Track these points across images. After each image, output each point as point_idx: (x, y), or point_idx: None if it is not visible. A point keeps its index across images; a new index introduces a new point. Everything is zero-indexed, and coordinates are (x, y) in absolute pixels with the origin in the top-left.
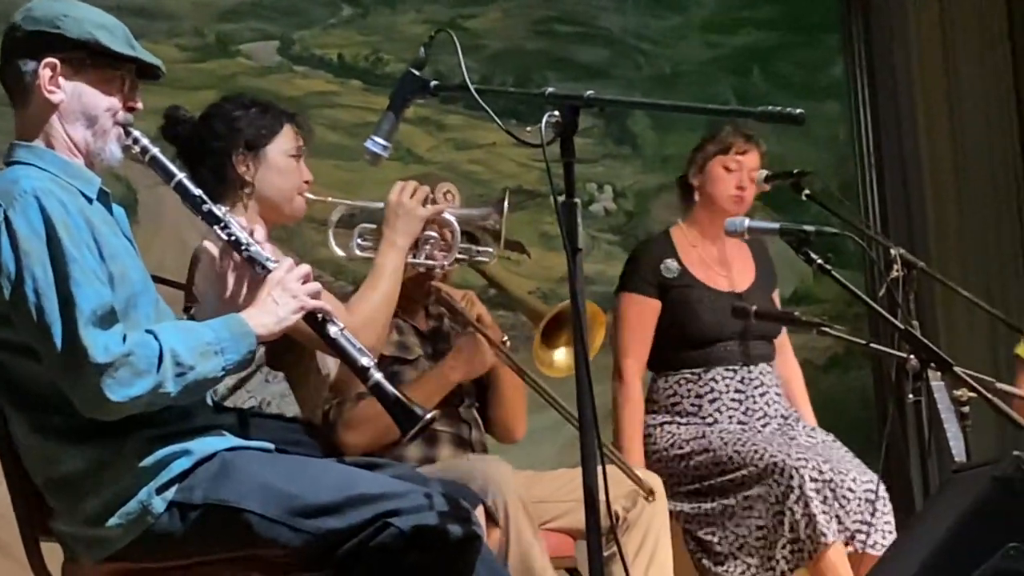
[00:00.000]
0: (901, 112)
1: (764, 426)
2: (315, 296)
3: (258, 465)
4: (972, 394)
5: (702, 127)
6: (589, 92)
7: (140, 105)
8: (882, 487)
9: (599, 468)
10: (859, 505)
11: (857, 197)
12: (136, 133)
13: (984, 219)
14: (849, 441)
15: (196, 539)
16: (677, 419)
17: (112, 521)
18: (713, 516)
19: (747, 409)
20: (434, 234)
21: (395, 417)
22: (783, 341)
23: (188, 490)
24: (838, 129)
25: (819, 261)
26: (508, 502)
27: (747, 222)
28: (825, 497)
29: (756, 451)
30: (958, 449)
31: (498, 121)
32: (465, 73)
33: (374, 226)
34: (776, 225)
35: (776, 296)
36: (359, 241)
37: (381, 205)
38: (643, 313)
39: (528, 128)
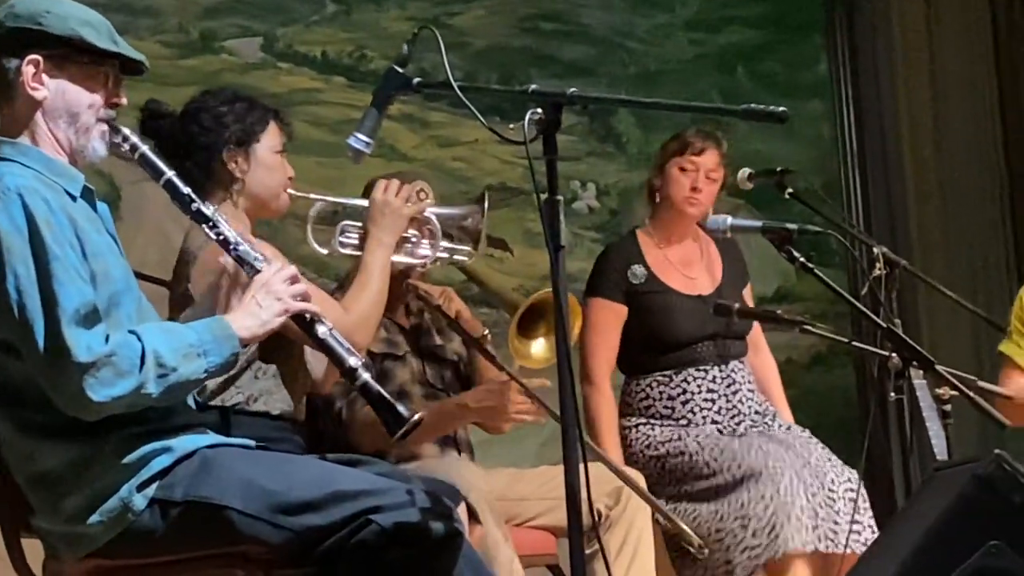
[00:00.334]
0: (884, 111)
1: (739, 424)
2: (302, 297)
3: (239, 462)
4: (954, 392)
5: (686, 125)
6: (572, 89)
7: (124, 100)
8: (862, 485)
9: (581, 466)
10: (844, 505)
11: (840, 196)
12: (125, 131)
13: (967, 218)
14: (831, 439)
15: (177, 536)
16: (652, 421)
17: (93, 518)
18: (683, 518)
19: (720, 408)
20: (415, 232)
21: (383, 417)
22: (757, 338)
23: (169, 487)
24: (822, 128)
25: (801, 259)
26: (470, 498)
27: (729, 220)
28: (801, 506)
29: (734, 459)
30: (940, 447)
31: (481, 118)
32: (448, 70)
33: (357, 224)
34: (758, 223)
35: (748, 293)
36: (341, 239)
37: (364, 203)
38: (610, 318)
39: (511, 125)
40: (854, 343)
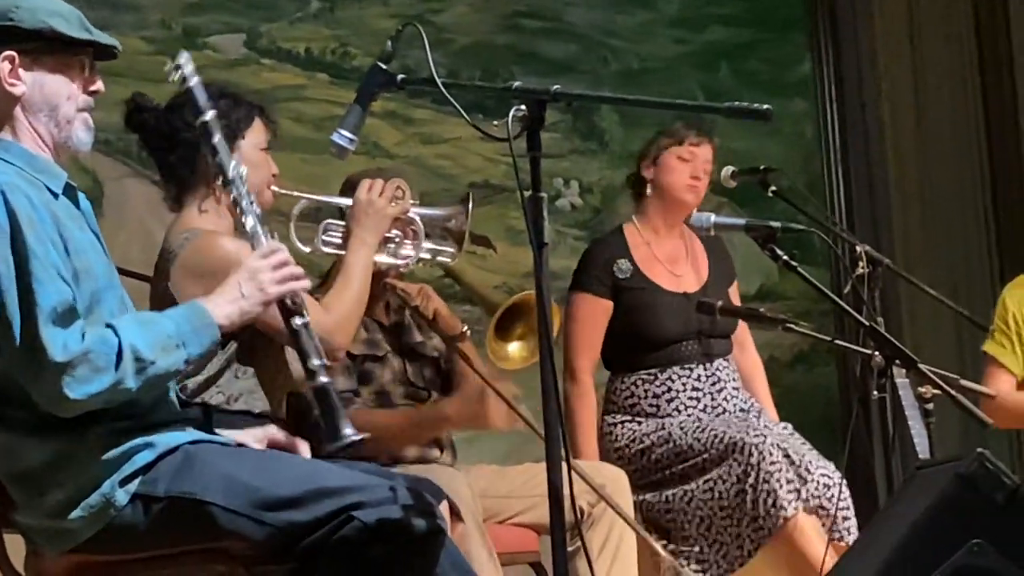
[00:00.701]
0: (867, 110)
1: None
2: (290, 280)
3: (221, 458)
4: (936, 391)
5: (669, 123)
6: (556, 87)
7: (101, 86)
8: (844, 483)
9: (563, 464)
10: (816, 488)
11: (823, 194)
12: (181, 59)
13: (949, 217)
14: (813, 438)
15: (159, 531)
16: (637, 418)
17: (75, 513)
18: (674, 503)
19: (705, 406)
20: (399, 232)
21: (326, 424)
22: (743, 336)
23: (151, 483)
24: (805, 126)
25: (785, 257)
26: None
27: (713, 218)
28: (785, 469)
29: (715, 435)
30: (922, 446)
31: (464, 114)
32: (432, 67)
33: (340, 223)
34: (742, 221)
35: (734, 291)
36: (324, 237)
37: (347, 201)
38: (594, 313)
39: (495, 122)
40: (837, 342)
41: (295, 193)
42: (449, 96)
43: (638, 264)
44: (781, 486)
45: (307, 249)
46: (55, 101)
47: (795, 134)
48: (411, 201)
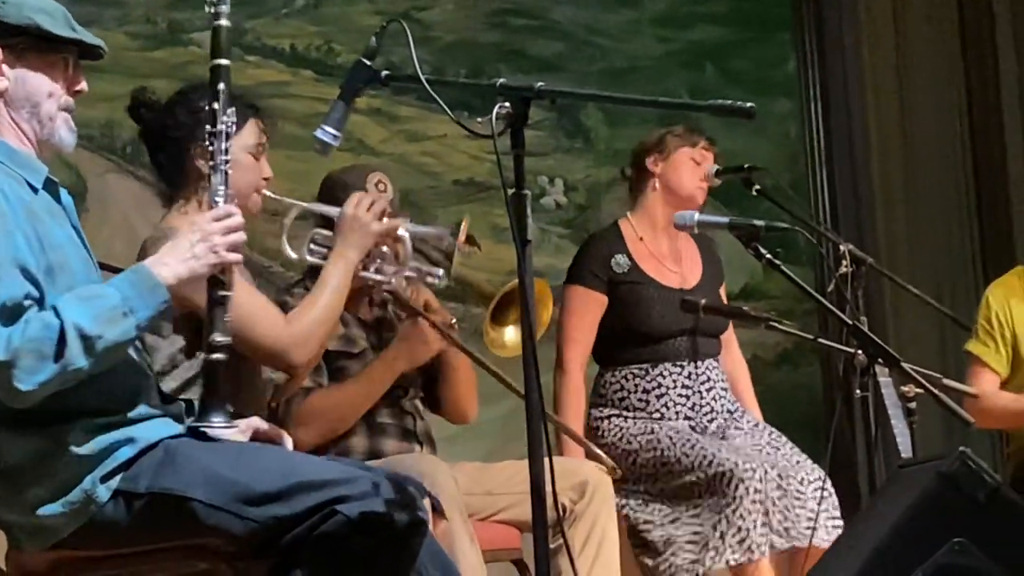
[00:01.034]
0: (852, 110)
1: (711, 421)
2: (234, 249)
3: (203, 453)
4: (919, 390)
5: (655, 122)
6: (540, 84)
7: (85, 86)
8: (828, 482)
9: (546, 459)
10: (813, 503)
11: (807, 194)
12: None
13: (933, 217)
14: (797, 437)
15: (141, 528)
16: (625, 413)
17: (56, 510)
18: (662, 520)
19: (694, 405)
20: (386, 249)
21: (202, 402)
22: (729, 337)
23: (133, 479)
24: (789, 126)
25: (768, 256)
26: (434, 492)
27: (696, 216)
28: (767, 510)
29: (705, 456)
30: (905, 445)
31: (448, 111)
32: (416, 63)
33: (328, 233)
34: (725, 219)
35: (723, 292)
36: (311, 246)
37: (336, 211)
38: (589, 306)
39: (479, 119)
40: (820, 340)
41: (285, 200)
42: (433, 92)
43: (635, 259)
44: (755, 528)
45: (295, 256)
46: (37, 98)
47: (780, 133)
48: (403, 219)
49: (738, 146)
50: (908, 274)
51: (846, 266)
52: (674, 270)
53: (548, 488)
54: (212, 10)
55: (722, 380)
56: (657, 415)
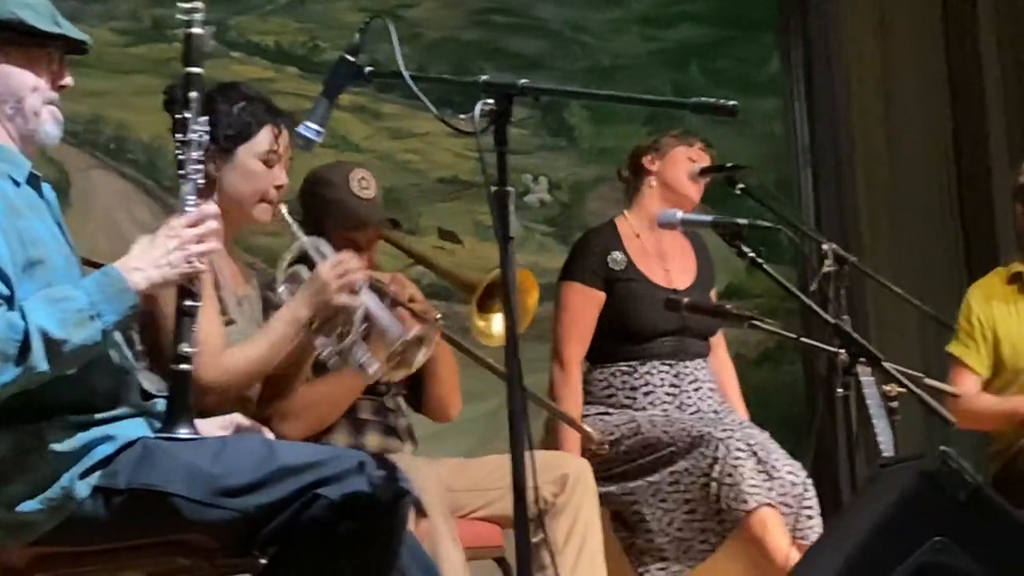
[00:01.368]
0: (837, 109)
1: (698, 420)
2: (204, 257)
3: (181, 448)
4: (901, 389)
5: (639, 120)
6: (523, 81)
7: (70, 81)
8: (810, 481)
9: (527, 456)
10: (782, 486)
11: (792, 193)
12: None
13: (917, 216)
14: (779, 435)
15: (122, 524)
16: (611, 410)
17: (34, 506)
18: (639, 494)
19: (681, 403)
20: (342, 324)
21: (168, 409)
22: (718, 339)
23: (112, 475)
24: (774, 125)
25: (751, 254)
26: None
27: (679, 214)
28: (751, 464)
29: (683, 428)
30: (886, 443)
31: (431, 107)
32: (400, 60)
33: (303, 276)
34: (709, 217)
35: (713, 295)
36: (287, 285)
37: (319, 264)
38: (587, 303)
39: (462, 116)
40: (802, 339)
41: (292, 226)
42: (416, 89)
43: (631, 256)
44: (744, 479)
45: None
46: (20, 93)
47: (764, 132)
48: (369, 295)
49: (723, 146)
50: (891, 273)
51: (829, 265)
52: (667, 268)
53: (529, 483)
54: (186, 18)
55: (710, 381)
56: (642, 410)
